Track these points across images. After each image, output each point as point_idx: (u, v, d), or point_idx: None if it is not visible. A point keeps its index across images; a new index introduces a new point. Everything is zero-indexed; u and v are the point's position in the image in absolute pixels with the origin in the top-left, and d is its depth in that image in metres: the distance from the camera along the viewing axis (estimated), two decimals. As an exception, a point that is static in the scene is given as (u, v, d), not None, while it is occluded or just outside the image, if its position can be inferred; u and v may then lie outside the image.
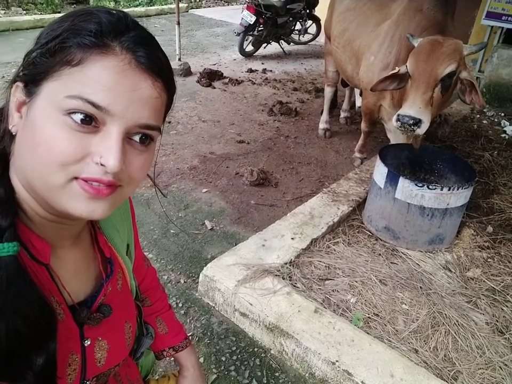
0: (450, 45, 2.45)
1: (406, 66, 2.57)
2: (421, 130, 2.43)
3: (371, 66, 3.16)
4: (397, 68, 2.69)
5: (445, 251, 2.73)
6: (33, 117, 0.54)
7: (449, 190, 2.51)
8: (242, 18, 6.36)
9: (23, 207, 0.60)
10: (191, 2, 11.22)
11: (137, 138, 0.58)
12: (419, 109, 2.43)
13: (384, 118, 3.32)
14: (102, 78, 0.52)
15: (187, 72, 5.76)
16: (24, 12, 8.40)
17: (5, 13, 8.17)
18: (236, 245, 2.58)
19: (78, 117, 0.52)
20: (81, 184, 0.54)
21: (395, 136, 3.30)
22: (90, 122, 0.52)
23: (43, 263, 0.61)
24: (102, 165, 0.53)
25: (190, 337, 2.12)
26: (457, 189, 2.52)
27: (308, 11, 7.31)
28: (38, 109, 0.54)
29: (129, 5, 9.75)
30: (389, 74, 2.72)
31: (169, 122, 4.40)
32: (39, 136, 0.53)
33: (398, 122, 2.46)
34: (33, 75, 0.55)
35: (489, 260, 2.66)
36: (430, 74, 2.44)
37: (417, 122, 2.41)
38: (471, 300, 2.34)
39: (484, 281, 2.48)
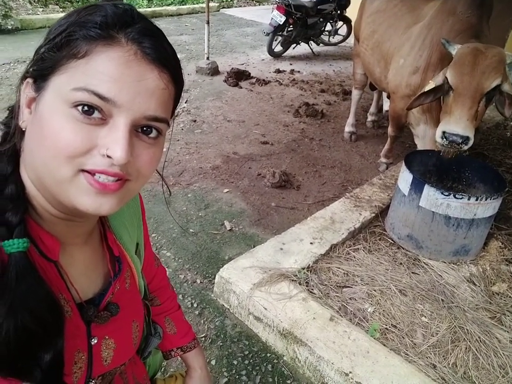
0: (495, 55, 2.31)
1: (445, 77, 2.45)
2: (467, 146, 2.34)
3: (400, 70, 3.08)
4: (431, 82, 2.58)
5: (470, 263, 2.63)
6: (41, 111, 0.54)
7: (476, 200, 2.41)
8: (272, 18, 6.33)
9: (33, 204, 0.60)
10: (223, 1, 11.28)
11: (143, 130, 0.57)
12: (466, 125, 2.31)
13: (412, 123, 3.23)
14: (107, 69, 0.52)
15: (215, 71, 5.78)
16: (61, 9, 8.62)
17: (42, 10, 8.41)
18: (254, 247, 2.56)
19: (82, 108, 0.52)
20: (88, 179, 0.54)
21: (423, 142, 3.21)
22: (92, 113, 0.52)
23: (52, 260, 0.61)
24: (108, 156, 0.53)
25: (203, 339, 2.12)
26: (486, 199, 2.42)
27: (338, 12, 7.21)
28: (46, 103, 0.54)
29: (162, 3, 9.88)
30: (425, 90, 2.62)
31: (195, 121, 4.42)
32: (47, 129, 0.53)
33: (444, 140, 2.35)
34: (41, 70, 0.55)
35: (516, 274, 2.55)
36: (476, 89, 2.31)
37: (465, 139, 2.31)
38: (495, 316, 2.24)
39: (509, 296, 2.38)
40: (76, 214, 0.61)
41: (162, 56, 0.56)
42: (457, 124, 2.32)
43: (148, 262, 0.94)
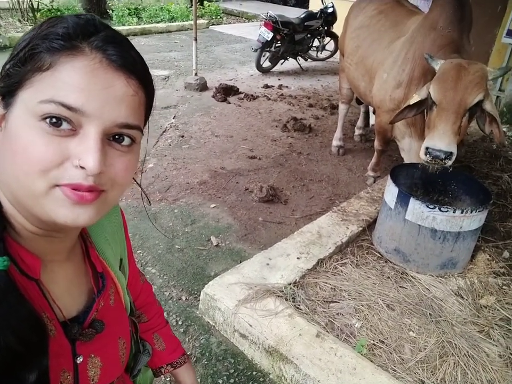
0: (478, 71, 2.34)
1: (428, 91, 2.47)
2: (451, 162, 2.35)
3: (384, 84, 3.11)
4: (415, 95, 2.60)
5: (458, 276, 2.62)
6: (10, 127, 0.54)
7: (462, 212, 2.42)
8: (260, 34, 6.40)
9: (10, 222, 0.59)
10: (212, 18, 11.40)
11: (115, 139, 0.56)
12: (449, 140, 2.32)
13: (397, 136, 3.25)
14: (73, 79, 0.51)
15: (203, 87, 5.80)
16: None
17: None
18: (240, 263, 2.53)
19: (50, 120, 0.52)
20: (64, 190, 0.53)
21: (408, 155, 3.23)
22: (60, 124, 0.52)
23: (33, 278, 0.59)
24: (81, 167, 0.52)
25: (188, 358, 2.07)
26: (471, 212, 2.42)
27: (325, 28, 7.31)
28: (15, 119, 0.53)
29: (151, 21, 9.96)
30: (407, 104, 2.64)
31: (182, 136, 4.41)
32: (17, 145, 0.52)
33: (428, 156, 2.36)
34: (8, 86, 0.55)
35: (504, 287, 2.54)
36: (460, 104, 2.33)
37: (448, 155, 2.32)
38: (483, 330, 2.22)
39: (497, 309, 2.36)
40: (54, 229, 0.60)
41: (129, 62, 0.56)
42: (440, 139, 2.33)
43: (133, 278, 0.93)
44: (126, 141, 0.57)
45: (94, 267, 0.73)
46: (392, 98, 3.05)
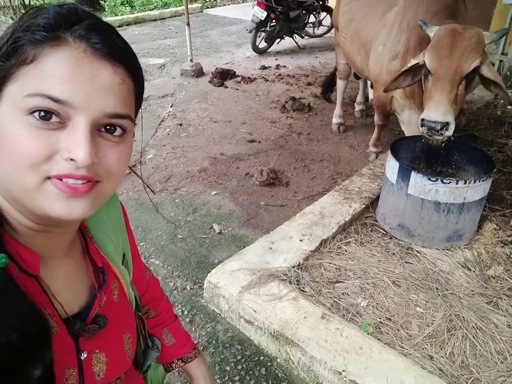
0: (473, 36, 2.24)
1: (423, 59, 2.40)
2: (449, 132, 2.28)
3: (380, 57, 3.02)
4: (412, 60, 2.52)
5: (464, 248, 2.58)
6: None
7: (465, 183, 2.36)
8: (253, 14, 6.25)
9: (7, 219, 0.58)
10: (206, 1, 11.20)
11: (106, 129, 0.56)
12: (445, 110, 2.25)
13: (397, 109, 3.17)
14: (57, 71, 0.51)
15: (199, 72, 5.72)
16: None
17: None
18: (243, 248, 2.51)
19: (39, 114, 0.51)
20: (56, 184, 0.52)
21: (409, 128, 3.16)
22: (50, 117, 0.51)
23: (32, 274, 0.59)
24: (72, 159, 0.51)
25: (195, 346, 2.08)
26: (474, 182, 2.37)
27: (321, 2, 7.12)
28: (2, 115, 0.52)
29: (145, 9, 9.82)
30: (402, 70, 2.57)
31: (181, 124, 4.37)
32: (6, 141, 0.52)
33: (424, 127, 2.30)
34: None
35: (512, 255, 2.50)
36: (455, 72, 2.24)
37: (445, 125, 2.25)
38: (492, 301, 2.19)
39: (506, 279, 2.33)
40: (51, 224, 0.59)
41: (114, 50, 0.55)
42: (435, 109, 2.26)
43: (138, 273, 0.92)
44: (117, 131, 0.57)
45: (94, 262, 0.72)
46: (389, 71, 2.96)
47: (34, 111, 0.50)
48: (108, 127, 0.56)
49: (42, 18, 0.53)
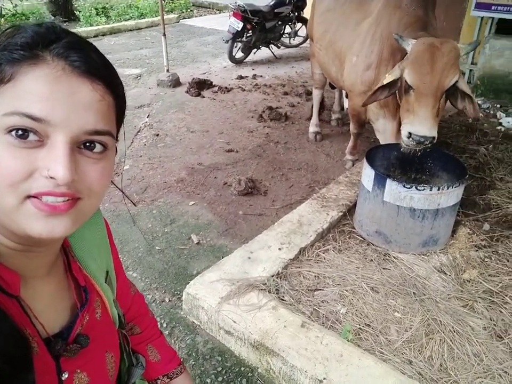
0: (451, 51, 2.32)
1: (402, 74, 2.46)
2: (433, 144, 2.41)
3: (354, 67, 3.08)
4: (387, 76, 2.56)
5: (440, 253, 2.63)
6: None
7: (438, 189, 2.42)
8: (230, 25, 6.31)
9: None
10: (182, 12, 11.22)
11: (86, 146, 0.55)
12: (431, 125, 2.34)
13: (371, 118, 3.23)
14: (35, 89, 0.50)
15: (176, 83, 5.71)
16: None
17: None
18: (222, 259, 2.50)
19: (16, 133, 0.50)
20: (35, 203, 0.52)
21: (383, 136, 3.22)
22: (27, 136, 0.50)
23: (13, 295, 0.58)
24: (51, 177, 0.51)
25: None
26: (447, 188, 2.42)
27: (296, 14, 7.23)
28: None
29: (120, 19, 9.76)
30: (377, 86, 2.62)
31: (157, 135, 4.35)
32: None
33: (411, 140, 2.38)
34: None
35: (486, 259, 2.56)
36: (437, 88, 2.33)
37: (432, 139, 2.36)
38: (467, 304, 2.23)
39: (480, 282, 2.38)
40: (33, 244, 0.59)
41: (93, 67, 0.55)
42: (423, 125, 2.35)
43: (123, 290, 0.92)
44: (98, 147, 0.56)
45: (76, 281, 0.71)
46: (363, 81, 3.02)
47: (11, 130, 0.50)
48: (87, 144, 0.55)
49: (20, 38, 0.53)
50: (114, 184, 0.88)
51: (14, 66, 0.51)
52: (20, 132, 0.50)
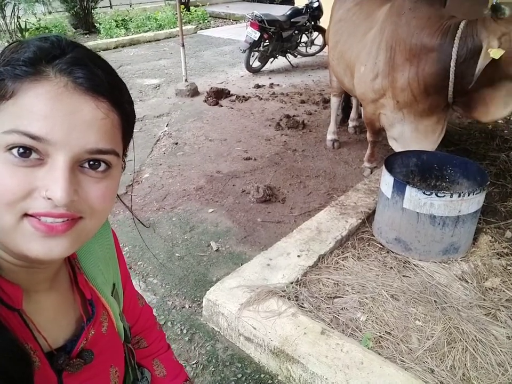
0: None
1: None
2: None
3: (362, 77, 3.09)
4: (492, 50, 2.32)
5: (461, 260, 2.59)
6: None
7: (459, 196, 2.39)
8: (247, 35, 6.38)
9: None
10: (200, 23, 11.40)
11: (89, 165, 0.54)
12: None
13: (385, 125, 3.22)
14: (35, 107, 0.49)
15: (194, 92, 5.79)
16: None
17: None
18: (241, 265, 2.51)
19: (18, 151, 0.49)
20: (32, 223, 0.50)
21: (399, 144, 3.20)
22: (29, 154, 0.49)
23: (15, 308, 0.57)
24: (49, 198, 0.50)
25: (195, 365, 2.07)
26: (468, 195, 2.40)
27: (312, 23, 7.29)
28: None
29: (139, 30, 9.97)
30: (486, 64, 2.38)
31: (176, 143, 4.41)
32: None
33: None
34: None
35: (508, 267, 2.52)
36: None
37: None
38: (490, 312, 2.20)
39: (503, 291, 2.34)
40: (33, 261, 0.57)
41: (97, 84, 0.53)
42: None
43: (130, 303, 0.90)
44: (101, 166, 0.55)
45: (82, 294, 0.70)
46: (374, 90, 3.03)
47: (12, 148, 0.49)
48: (91, 163, 0.54)
49: (23, 53, 0.52)
50: (123, 203, 0.89)
51: (16, 83, 0.50)
52: (22, 150, 0.49)
